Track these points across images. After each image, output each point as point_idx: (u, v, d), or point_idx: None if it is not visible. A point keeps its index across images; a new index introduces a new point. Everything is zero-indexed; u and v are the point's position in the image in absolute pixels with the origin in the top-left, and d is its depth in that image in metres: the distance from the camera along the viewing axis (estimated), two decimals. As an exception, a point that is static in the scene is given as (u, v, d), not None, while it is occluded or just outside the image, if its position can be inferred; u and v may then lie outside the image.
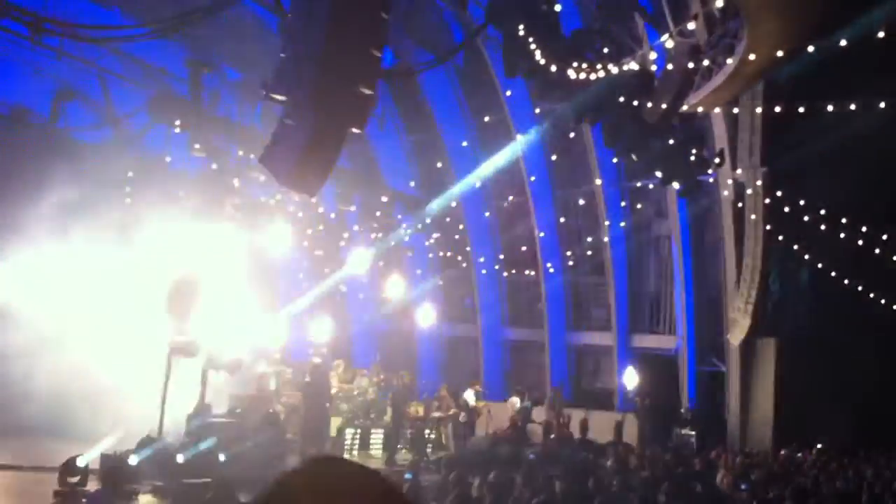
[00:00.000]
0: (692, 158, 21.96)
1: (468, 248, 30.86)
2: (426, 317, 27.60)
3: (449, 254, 30.42)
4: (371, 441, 22.77)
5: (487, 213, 31.29)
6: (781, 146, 24.00)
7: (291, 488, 1.44)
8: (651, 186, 27.46)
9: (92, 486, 13.17)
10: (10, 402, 17.71)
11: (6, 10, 16.81)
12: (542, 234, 30.40)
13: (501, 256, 31.42)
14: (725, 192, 26.06)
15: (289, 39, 12.39)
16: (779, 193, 24.72)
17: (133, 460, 14.53)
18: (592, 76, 18.50)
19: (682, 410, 27.55)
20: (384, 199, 27.57)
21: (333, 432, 21.19)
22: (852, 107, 19.98)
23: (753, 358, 27.08)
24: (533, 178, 30.03)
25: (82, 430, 16.33)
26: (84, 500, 12.47)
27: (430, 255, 31.02)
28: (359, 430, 22.50)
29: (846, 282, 25.78)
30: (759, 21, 17.08)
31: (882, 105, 19.67)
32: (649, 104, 19.54)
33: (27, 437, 17.64)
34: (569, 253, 30.42)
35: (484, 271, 31.47)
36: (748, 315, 26.26)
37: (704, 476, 16.51)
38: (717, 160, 23.35)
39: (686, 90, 19.67)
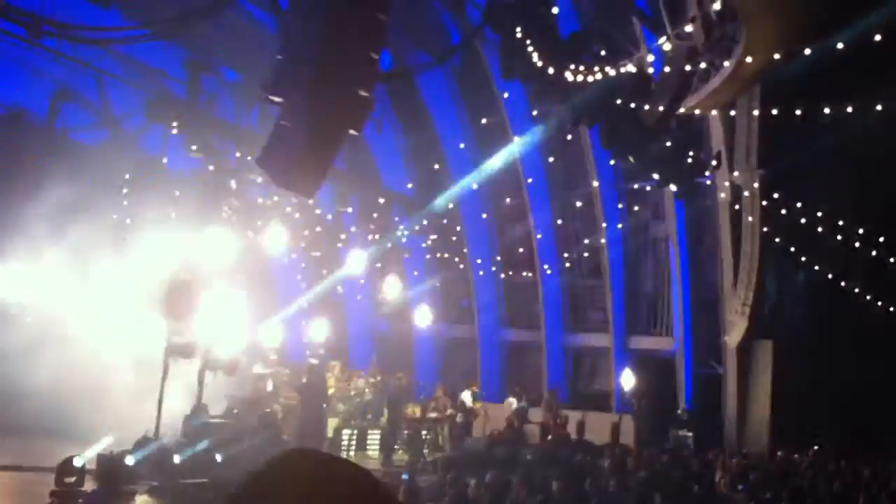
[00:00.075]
0: (689, 161, 22.01)
1: (465, 250, 30.87)
2: (423, 318, 27.62)
3: (446, 255, 30.42)
4: (368, 442, 22.79)
5: (485, 215, 31.29)
6: (778, 149, 24.03)
7: (267, 480, 1.44)
8: (648, 188, 27.50)
9: (89, 486, 13.18)
10: (7, 401, 17.73)
11: (4, 11, 16.83)
12: (539, 236, 30.40)
13: (499, 258, 31.42)
14: (722, 195, 26.09)
15: (286, 41, 12.41)
16: (776, 196, 24.75)
17: (130, 461, 14.53)
18: (590, 78, 18.53)
19: (680, 412, 27.56)
20: (381, 200, 27.59)
21: (330, 433, 21.21)
22: (849, 109, 20.01)
23: (750, 360, 27.11)
24: (530, 180, 30.04)
25: (79, 430, 16.33)
26: (81, 500, 12.47)
27: (428, 257, 31.02)
28: (356, 431, 22.53)
29: (843, 284, 25.82)
30: (756, 24, 17.12)
31: (879, 108, 19.71)
32: (647, 106, 19.58)
33: (24, 437, 17.63)
34: (566, 255, 30.44)
35: (481, 273, 31.47)
36: (745, 317, 26.30)
37: (702, 477, 16.55)
38: (714, 162, 23.40)
39: (683, 93, 19.71)
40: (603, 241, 29.34)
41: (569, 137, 27.59)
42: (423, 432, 23.59)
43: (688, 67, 19.17)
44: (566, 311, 31.56)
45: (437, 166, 29.55)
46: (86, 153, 22.74)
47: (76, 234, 19.66)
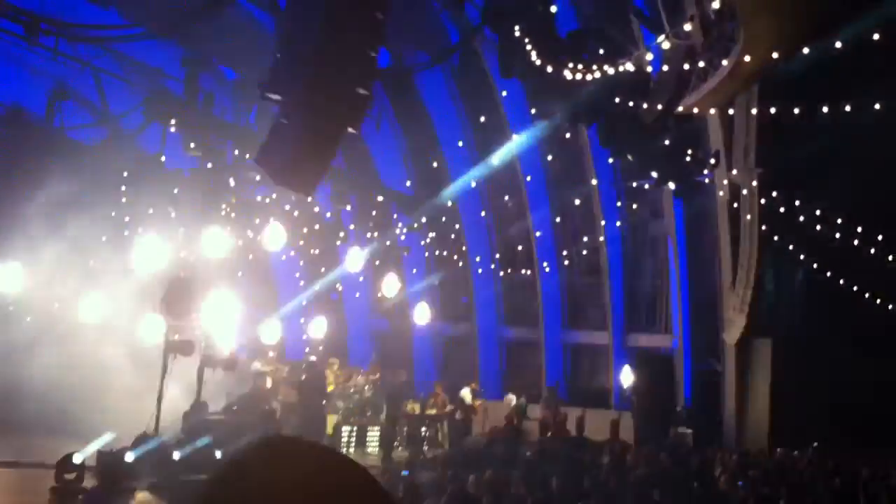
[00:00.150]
0: (688, 159, 22.03)
1: (464, 248, 30.89)
2: (422, 316, 27.64)
3: (445, 253, 30.43)
4: (367, 439, 22.83)
5: (483, 213, 31.31)
6: (777, 147, 24.05)
7: (244, 467, 1.45)
8: (647, 187, 27.52)
9: (88, 483, 13.21)
10: (7, 398, 17.74)
11: (3, 10, 16.84)
12: (538, 234, 30.43)
13: (497, 256, 31.44)
14: (721, 193, 26.12)
15: (285, 39, 12.43)
16: (774, 194, 24.77)
17: (130, 457, 14.57)
18: (588, 77, 18.55)
19: (679, 409, 27.60)
20: (380, 198, 27.60)
21: (330, 430, 21.24)
22: (847, 108, 20.04)
23: (749, 357, 27.14)
24: (529, 178, 30.07)
25: (79, 427, 16.36)
26: (80, 497, 12.50)
27: (427, 255, 31.04)
28: (355, 428, 22.56)
29: (841, 282, 25.85)
30: (754, 23, 17.13)
31: (877, 106, 19.73)
32: (645, 105, 19.60)
33: (23, 433, 17.65)
34: (565, 252, 30.47)
35: (480, 270, 31.49)
36: (744, 315, 26.33)
37: (700, 474, 16.57)
38: (712, 161, 23.41)
39: (682, 91, 19.73)
40: (602, 238, 29.37)
41: (567, 136, 27.60)
42: (423, 429, 23.63)
43: (686, 66, 19.19)
44: (565, 308, 31.60)
45: (435, 165, 29.56)
46: (84, 152, 22.74)
47: (75, 233, 19.67)
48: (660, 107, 19.47)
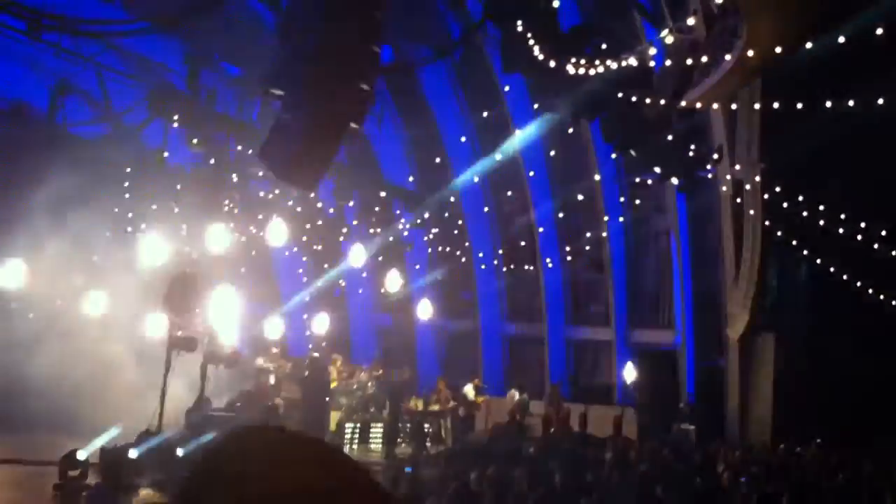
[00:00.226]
0: (691, 154, 21.99)
1: (467, 244, 30.87)
2: (425, 311, 27.64)
3: (448, 249, 30.42)
4: (371, 435, 22.84)
5: (486, 209, 31.29)
6: (779, 142, 23.99)
7: (225, 458, 1.44)
8: (650, 182, 27.47)
9: (92, 479, 13.21)
10: (10, 395, 17.75)
11: (6, 5, 16.83)
12: (541, 230, 30.42)
13: (500, 251, 31.42)
14: (724, 188, 26.06)
15: (287, 35, 12.41)
16: (777, 189, 24.72)
17: (133, 454, 14.58)
18: (591, 72, 18.52)
19: (682, 405, 27.56)
20: (383, 194, 27.60)
21: (333, 426, 21.25)
22: (850, 103, 19.98)
23: (753, 353, 27.09)
24: (532, 174, 30.04)
25: (82, 424, 16.37)
26: (84, 493, 12.50)
27: (430, 250, 31.04)
28: (358, 425, 22.57)
29: (844, 277, 25.79)
30: (757, 17, 17.08)
31: (881, 101, 19.68)
32: (648, 100, 19.56)
33: (27, 430, 17.66)
34: (568, 248, 30.44)
35: (483, 266, 31.49)
36: (747, 310, 26.29)
37: (703, 470, 16.55)
38: (715, 156, 23.37)
39: (685, 86, 19.68)
40: (605, 234, 29.34)
41: (570, 131, 27.56)
42: (426, 426, 23.63)
43: (689, 61, 19.15)
44: (568, 304, 31.58)
45: (438, 160, 29.55)
46: (87, 147, 22.73)
47: (77, 229, 19.67)
48: (663, 102, 19.43)
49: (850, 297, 25.51)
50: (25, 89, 22.43)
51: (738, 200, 25.99)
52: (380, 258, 28.07)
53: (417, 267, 30.78)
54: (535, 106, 26.59)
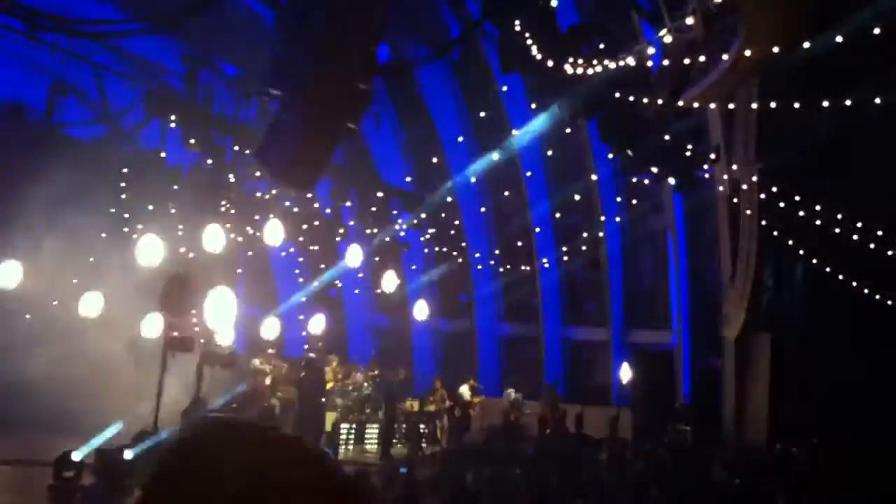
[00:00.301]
0: (688, 154, 21.98)
1: (464, 244, 30.85)
2: (421, 312, 27.63)
3: (444, 249, 30.41)
4: (366, 436, 22.85)
5: (483, 209, 31.28)
6: (777, 142, 24.00)
7: (192, 445, 1.44)
8: (647, 182, 27.47)
9: (87, 480, 13.17)
10: (6, 396, 17.72)
11: (1, 5, 16.78)
12: (537, 230, 30.40)
13: (497, 252, 31.40)
14: (721, 188, 26.07)
15: (284, 35, 12.39)
16: (774, 189, 24.72)
17: (128, 455, 14.54)
18: (589, 72, 18.49)
19: (678, 405, 27.57)
20: (380, 194, 27.55)
21: (328, 427, 21.24)
22: (848, 102, 19.98)
23: (749, 353, 27.09)
24: (529, 174, 30.03)
25: (78, 424, 16.33)
26: (79, 494, 12.46)
27: (426, 251, 31.02)
28: (354, 425, 22.57)
29: (841, 277, 25.79)
30: (755, 16, 17.07)
31: (878, 101, 19.68)
32: (645, 100, 19.55)
33: (21, 431, 17.64)
34: (564, 248, 30.41)
35: (480, 266, 31.48)
36: (743, 310, 26.30)
37: (699, 470, 16.57)
38: (712, 156, 23.35)
39: (682, 86, 19.66)
40: (601, 234, 29.33)
41: (568, 131, 27.55)
42: (422, 426, 23.63)
43: (687, 61, 19.13)
44: (564, 304, 31.57)
45: (435, 160, 29.53)
46: (84, 148, 22.71)
47: (74, 229, 19.64)
48: (660, 101, 19.41)
49: (847, 297, 25.51)
50: (21, 89, 22.39)
51: (735, 200, 26.00)
52: (376, 258, 28.06)
53: (414, 267, 30.78)
54: (533, 106, 26.60)
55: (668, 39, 18.84)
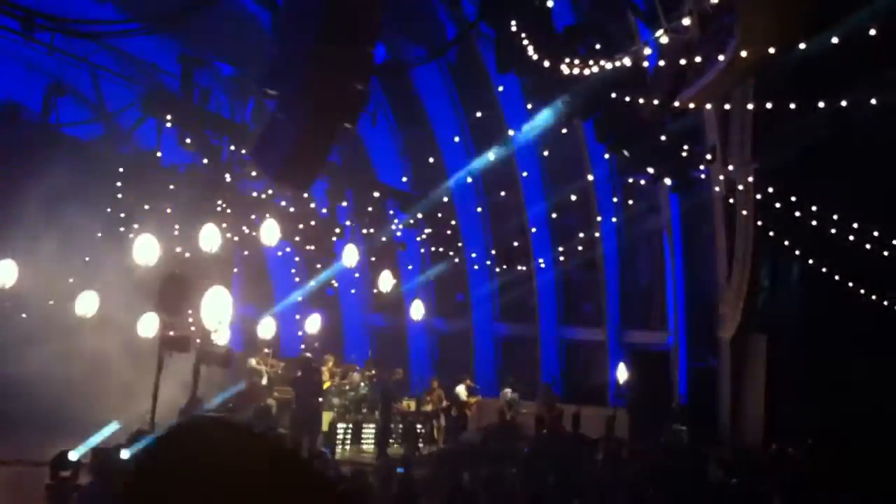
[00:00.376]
0: (684, 154, 21.99)
1: (460, 244, 30.86)
2: (418, 312, 27.64)
3: (441, 249, 30.41)
4: (363, 435, 22.85)
5: (479, 209, 31.29)
6: (773, 142, 24.03)
7: (172, 442, 1.46)
8: (643, 182, 27.49)
9: (84, 480, 13.16)
10: (2, 395, 17.72)
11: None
12: (534, 230, 30.42)
13: (493, 252, 31.41)
14: (717, 189, 26.10)
15: (281, 34, 12.39)
16: (770, 189, 24.75)
17: (125, 454, 14.52)
18: (585, 72, 18.50)
19: (674, 405, 27.60)
20: (376, 194, 27.56)
21: (325, 427, 21.24)
22: (843, 103, 20.00)
23: (745, 353, 27.13)
24: (525, 174, 30.05)
25: (74, 424, 16.32)
26: (76, 494, 12.46)
27: (422, 251, 31.04)
28: (350, 425, 22.57)
29: (837, 277, 25.83)
30: (751, 17, 17.10)
31: (873, 101, 19.70)
32: (641, 100, 19.57)
33: (18, 431, 17.63)
34: (561, 248, 30.43)
35: (476, 266, 31.49)
36: (739, 311, 26.34)
37: (695, 470, 16.58)
38: (708, 156, 23.38)
39: (678, 86, 19.67)
40: (598, 234, 29.35)
41: (564, 131, 27.55)
42: (418, 426, 23.64)
43: (683, 61, 19.15)
44: (560, 304, 31.59)
45: (431, 160, 29.53)
46: (80, 148, 22.69)
47: (70, 229, 19.64)
48: (656, 102, 19.43)
49: (843, 297, 25.56)
50: (18, 89, 22.37)
51: (731, 201, 26.04)
52: (373, 258, 28.06)
53: (410, 267, 30.79)
54: (529, 106, 26.61)
55: (664, 40, 18.87)
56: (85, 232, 20.46)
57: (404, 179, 30.36)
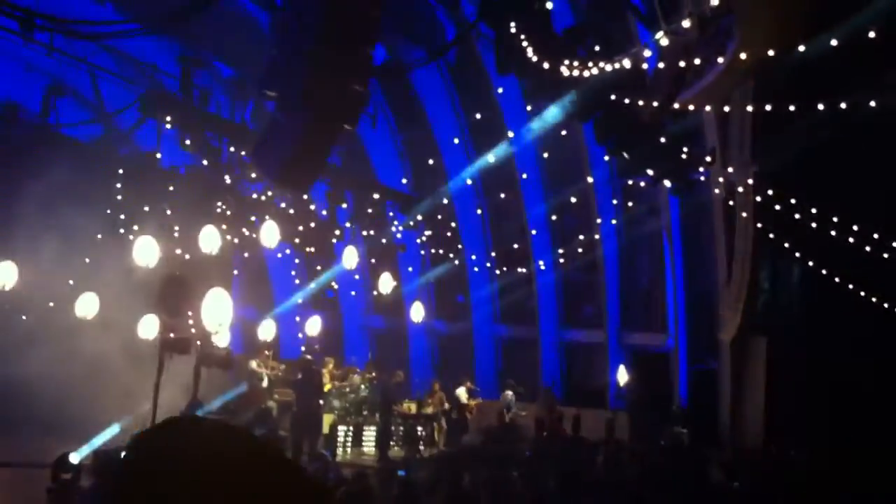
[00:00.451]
0: (684, 156, 21.98)
1: (460, 246, 30.85)
2: (418, 314, 27.63)
3: (441, 251, 30.40)
4: (364, 438, 22.83)
5: (479, 211, 31.29)
6: (772, 144, 24.02)
7: (155, 441, 1.45)
8: (643, 184, 27.47)
9: (85, 482, 13.15)
10: (2, 397, 17.69)
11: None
12: (534, 232, 30.41)
13: (493, 254, 31.40)
14: (716, 191, 26.09)
15: (281, 35, 12.39)
16: (770, 191, 24.74)
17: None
18: (585, 73, 18.49)
19: (674, 408, 27.58)
20: (376, 196, 27.57)
21: (326, 429, 21.23)
22: (843, 105, 20.00)
23: (745, 355, 27.10)
24: (525, 176, 30.04)
25: (75, 426, 16.32)
26: (77, 496, 12.44)
27: (422, 253, 31.03)
28: (351, 428, 22.55)
29: (837, 279, 25.82)
30: (751, 19, 17.10)
31: (873, 103, 19.70)
32: (641, 102, 19.56)
33: (19, 433, 17.61)
34: (561, 250, 30.42)
35: (476, 268, 31.48)
36: (739, 313, 26.31)
37: (696, 473, 16.55)
38: (708, 158, 23.37)
39: (678, 88, 19.67)
40: (598, 236, 29.34)
41: (564, 133, 27.55)
42: (419, 428, 23.62)
43: (682, 63, 19.14)
44: (561, 306, 31.57)
45: (431, 162, 29.53)
46: (79, 149, 22.69)
47: (70, 230, 19.62)
48: (656, 104, 19.43)
49: (843, 299, 25.54)
50: (17, 90, 22.37)
51: (731, 202, 26.02)
52: (373, 260, 28.06)
53: (410, 269, 30.78)
54: (529, 108, 26.60)
55: (663, 42, 18.85)
56: (85, 233, 20.45)
57: (404, 181, 30.37)
